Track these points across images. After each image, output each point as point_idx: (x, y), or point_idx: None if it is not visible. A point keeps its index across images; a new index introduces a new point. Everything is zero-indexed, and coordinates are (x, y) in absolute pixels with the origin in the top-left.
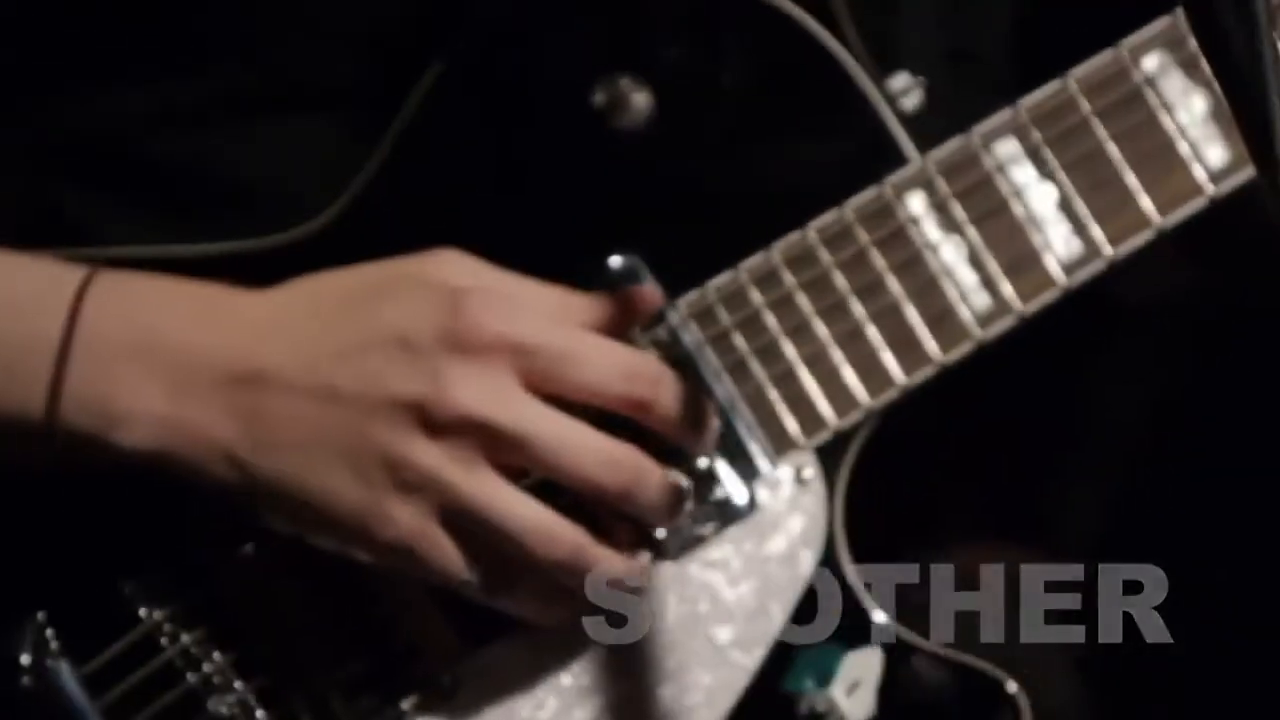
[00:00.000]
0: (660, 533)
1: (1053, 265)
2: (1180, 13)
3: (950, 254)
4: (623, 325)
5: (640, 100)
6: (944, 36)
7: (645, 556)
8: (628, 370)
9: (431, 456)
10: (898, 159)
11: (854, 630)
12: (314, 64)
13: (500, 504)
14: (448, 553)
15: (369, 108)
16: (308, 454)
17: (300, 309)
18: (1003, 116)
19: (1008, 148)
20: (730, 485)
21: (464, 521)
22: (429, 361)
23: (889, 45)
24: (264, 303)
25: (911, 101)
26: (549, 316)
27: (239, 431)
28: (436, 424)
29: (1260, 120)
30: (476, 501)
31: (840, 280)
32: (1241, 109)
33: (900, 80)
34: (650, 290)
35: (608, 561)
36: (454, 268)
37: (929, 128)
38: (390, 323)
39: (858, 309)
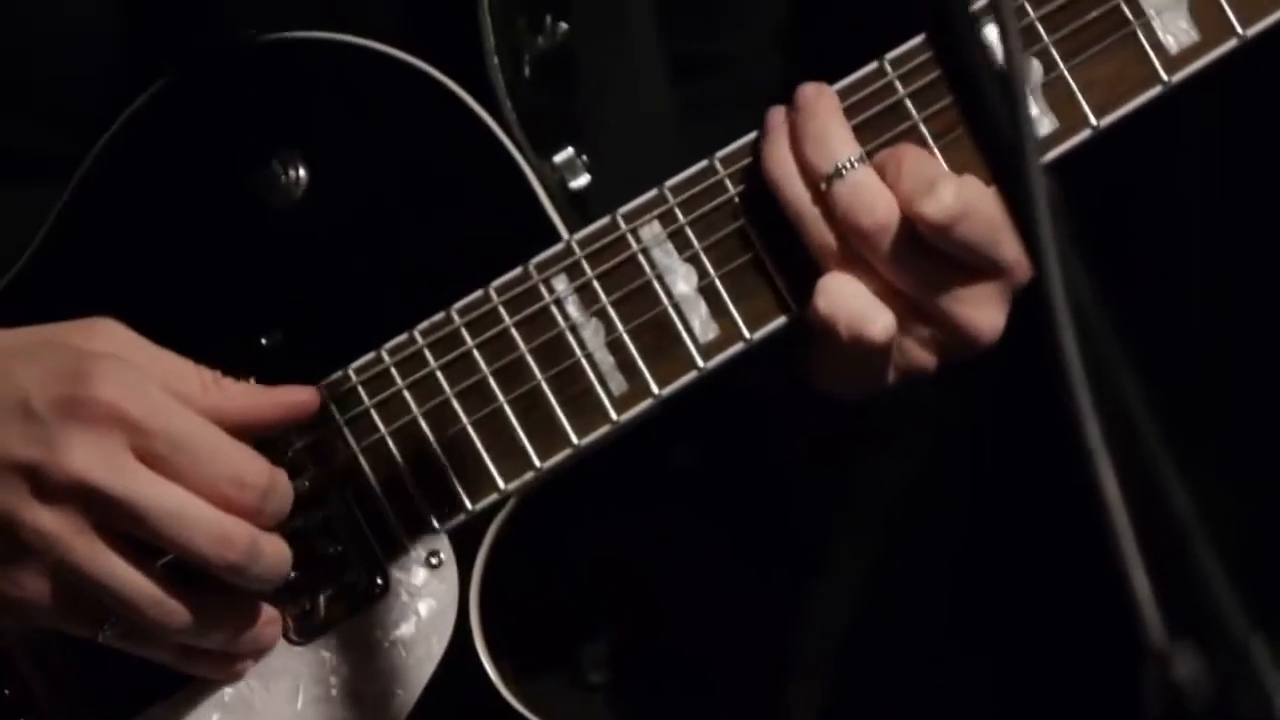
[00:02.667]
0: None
1: (692, 349)
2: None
3: (590, 335)
4: (270, 418)
5: (294, 175)
6: (618, 110)
7: (272, 627)
8: (236, 476)
9: (43, 520)
10: (552, 237)
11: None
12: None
13: (106, 571)
14: (77, 613)
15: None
16: None
17: None
18: (648, 196)
19: (652, 229)
20: (360, 569)
21: (79, 585)
22: (46, 427)
23: (557, 121)
24: None
25: (579, 179)
26: (175, 402)
27: None
28: (48, 488)
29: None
30: (84, 568)
31: (481, 361)
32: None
33: (565, 156)
34: (304, 394)
35: (248, 637)
36: (100, 337)
37: (597, 205)
38: (17, 386)
39: (497, 391)
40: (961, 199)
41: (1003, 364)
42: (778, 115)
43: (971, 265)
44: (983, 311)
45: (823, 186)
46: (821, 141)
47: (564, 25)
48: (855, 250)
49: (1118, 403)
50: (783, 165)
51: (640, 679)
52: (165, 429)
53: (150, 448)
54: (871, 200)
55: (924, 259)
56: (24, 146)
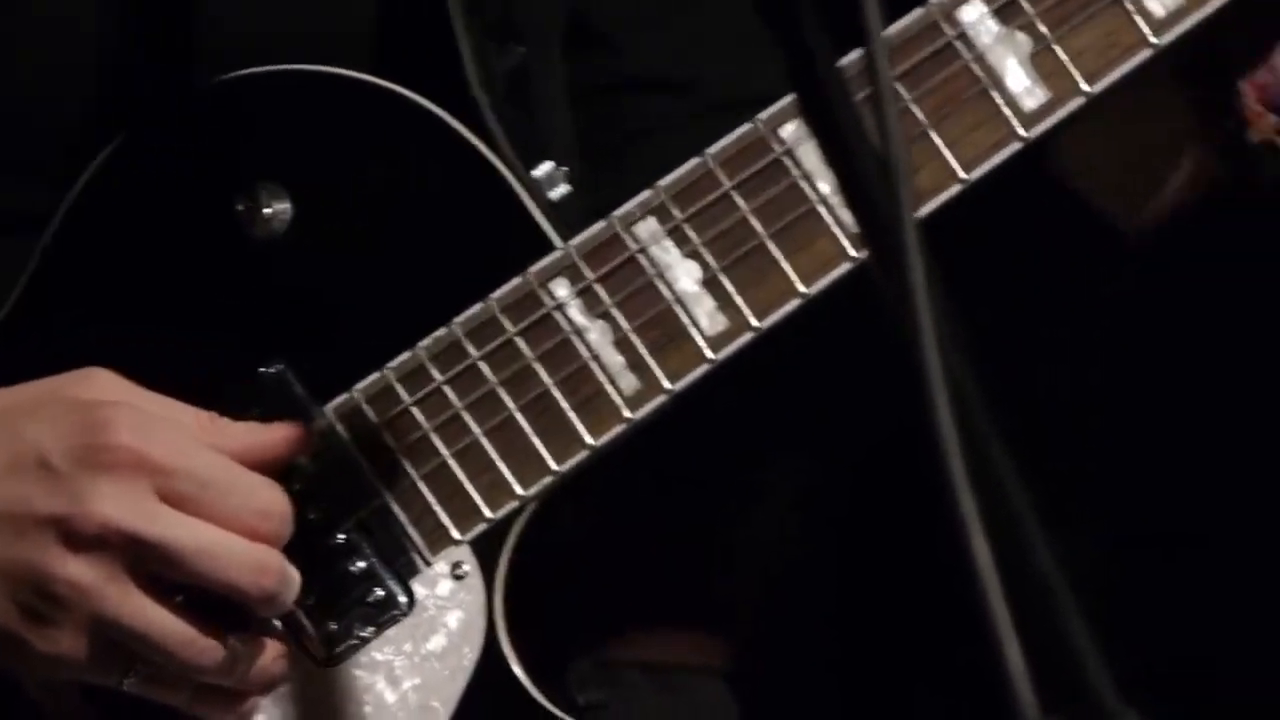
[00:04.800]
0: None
1: (700, 342)
2: None
3: (597, 337)
4: (274, 454)
5: (279, 207)
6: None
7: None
8: (260, 508)
9: (75, 571)
10: (546, 248)
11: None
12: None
13: (143, 617)
14: (107, 662)
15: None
16: None
17: None
18: (642, 197)
19: (648, 228)
20: (387, 585)
21: (113, 633)
22: (68, 479)
23: (533, 135)
24: None
25: (558, 190)
26: (191, 440)
27: None
28: (79, 539)
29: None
30: (120, 614)
31: (488, 372)
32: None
33: (545, 169)
34: (301, 430)
35: (258, 671)
36: (98, 386)
37: (578, 214)
38: (32, 443)
39: (507, 399)
40: None
41: (874, 442)
42: None
43: None
44: None
45: None
46: None
47: (520, 48)
48: None
49: (991, 476)
50: None
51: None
52: (187, 468)
53: (174, 488)
54: None
55: None
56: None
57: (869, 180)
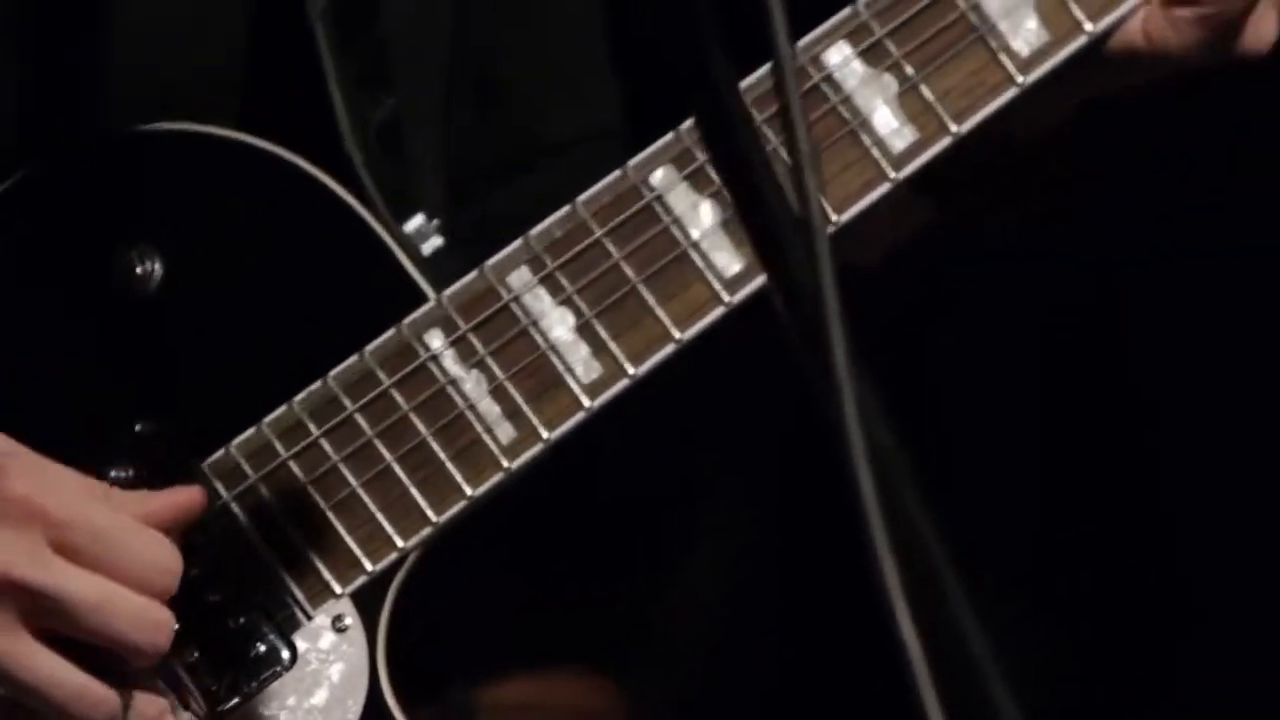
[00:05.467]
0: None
1: (576, 390)
2: (682, 129)
3: (472, 387)
4: (161, 522)
5: (150, 267)
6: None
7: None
8: (153, 562)
9: None
10: (419, 300)
11: None
12: None
13: (34, 667)
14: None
15: None
16: None
17: None
18: (514, 247)
19: (521, 277)
20: (268, 640)
21: (4, 685)
22: None
23: (405, 188)
24: None
25: (430, 243)
26: (84, 493)
27: None
28: None
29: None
30: (12, 664)
31: (364, 424)
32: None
33: (416, 222)
34: (189, 494)
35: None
36: None
37: (451, 266)
38: None
39: (384, 451)
40: None
41: (797, 519)
42: None
43: None
44: None
45: None
46: None
47: (390, 101)
48: None
49: (915, 548)
50: None
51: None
52: (80, 520)
53: (67, 539)
54: None
55: None
56: None
57: (786, 244)
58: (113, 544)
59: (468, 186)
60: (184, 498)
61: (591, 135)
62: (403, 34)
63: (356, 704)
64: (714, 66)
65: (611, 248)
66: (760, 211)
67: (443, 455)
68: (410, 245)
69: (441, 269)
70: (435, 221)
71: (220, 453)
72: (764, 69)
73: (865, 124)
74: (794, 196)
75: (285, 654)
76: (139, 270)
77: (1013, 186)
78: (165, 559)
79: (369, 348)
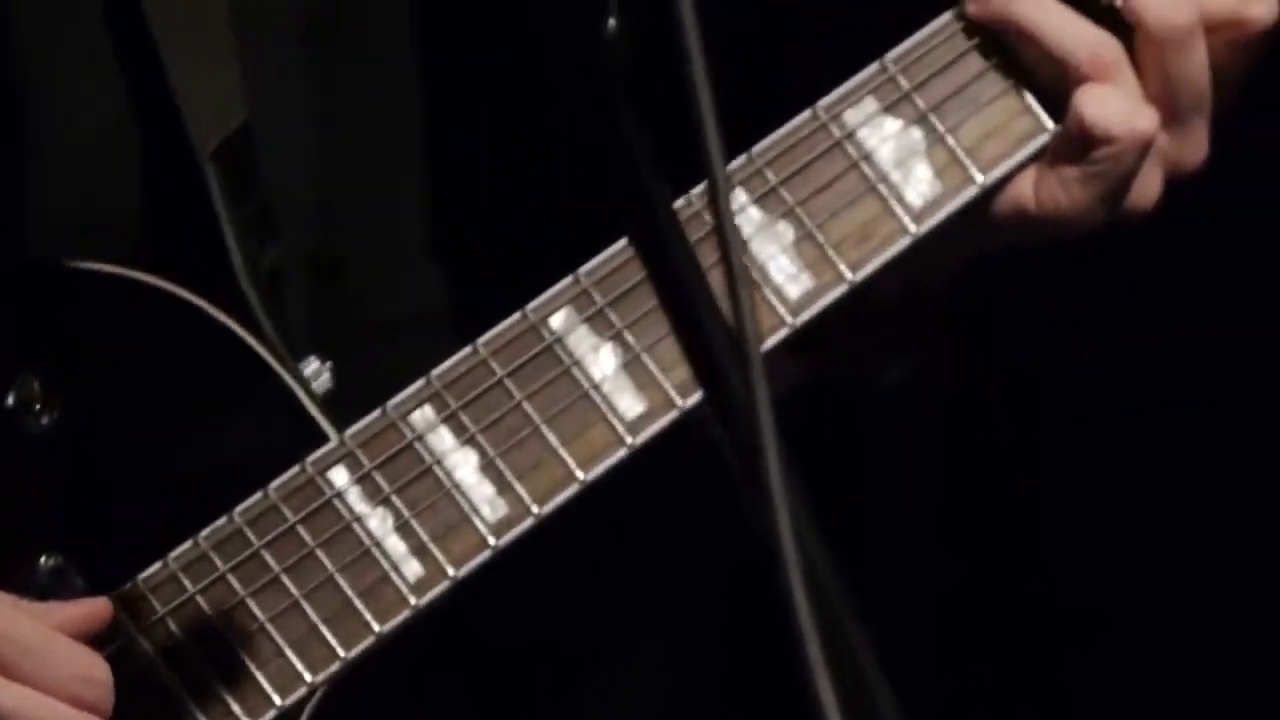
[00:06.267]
0: None
1: (482, 529)
2: (581, 272)
3: (377, 525)
4: (68, 631)
5: (41, 403)
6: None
7: None
8: (82, 674)
9: None
10: (321, 439)
11: None
12: None
13: None
14: None
15: None
16: None
17: None
18: (416, 387)
19: (424, 416)
20: None
21: None
22: None
23: (297, 332)
24: None
25: (322, 384)
26: (9, 607)
27: None
28: None
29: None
30: None
31: (271, 560)
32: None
33: (312, 366)
34: (95, 604)
35: None
36: None
37: (346, 408)
38: None
39: (291, 587)
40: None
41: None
42: None
43: (1233, 79)
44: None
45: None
46: None
47: (276, 251)
48: (1110, 61)
49: (849, 668)
50: None
51: None
52: (7, 634)
53: None
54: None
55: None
56: None
57: (723, 366)
58: (42, 656)
59: (346, 336)
60: (92, 608)
61: (422, 316)
62: (278, 188)
63: None
64: (648, 186)
65: (513, 389)
66: (698, 331)
67: (350, 592)
68: (308, 385)
69: (337, 409)
70: (328, 364)
71: (127, 586)
72: (696, 189)
73: (762, 270)
74: (730, 314)
75: None
76: (34, 405)
77: (896, 340)
78: (96, 671)
79: (273, 484)
